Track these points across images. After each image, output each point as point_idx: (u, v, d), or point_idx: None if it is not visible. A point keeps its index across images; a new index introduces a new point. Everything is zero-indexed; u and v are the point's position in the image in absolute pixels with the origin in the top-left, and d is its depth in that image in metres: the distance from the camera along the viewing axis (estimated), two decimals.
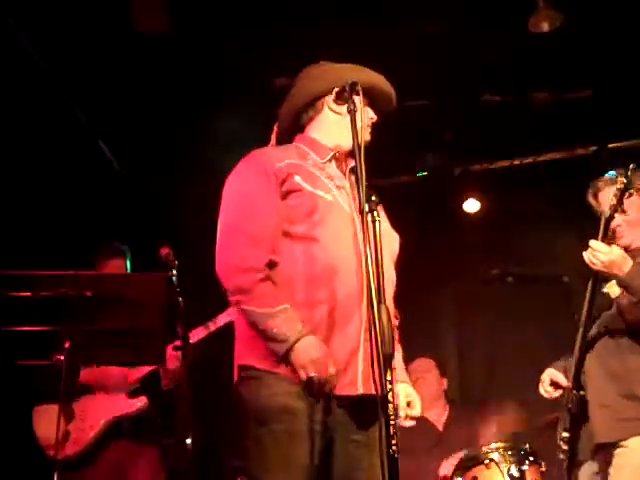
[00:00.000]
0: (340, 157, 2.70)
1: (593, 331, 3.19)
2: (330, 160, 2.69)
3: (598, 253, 2.96)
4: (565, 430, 3.19)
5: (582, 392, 3.17)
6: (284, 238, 2.49)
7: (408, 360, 4.97)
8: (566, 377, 3.31)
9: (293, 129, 2.79)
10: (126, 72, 4.62)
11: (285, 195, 2.52)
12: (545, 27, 4.48)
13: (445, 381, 5.13)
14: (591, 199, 3.35)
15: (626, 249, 3.21)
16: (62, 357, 3.70)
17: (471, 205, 5.83)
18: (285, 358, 2.32)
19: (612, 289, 3.10)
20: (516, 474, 3.76)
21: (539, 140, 5.53)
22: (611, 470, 3.04)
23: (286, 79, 5.01)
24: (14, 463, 4.35)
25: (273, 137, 2.84)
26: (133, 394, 4.00)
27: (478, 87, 5.25)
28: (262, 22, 4.44)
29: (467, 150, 5.68)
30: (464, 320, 6.05)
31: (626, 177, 2.98)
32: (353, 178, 2.66)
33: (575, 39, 4.64)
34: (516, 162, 5.74)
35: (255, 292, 2.38)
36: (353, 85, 2.48)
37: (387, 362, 2.15)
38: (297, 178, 2.53)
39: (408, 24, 4.58)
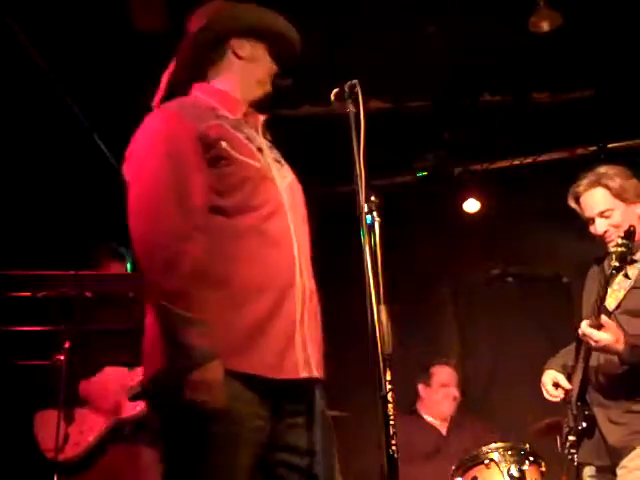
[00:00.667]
0: (249, 111, 2.46)
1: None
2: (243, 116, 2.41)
3: (590, 340, 3.00)
4: (570, 434, 3.18)
5: (587, 411, 3.16)
6: (213, 215, 2.20)
7: (427, 363, 5.05)
8: (565, 376, 3.31)
9: (188, 79, 2.44)
10: (125, 71, 4.62)
11: (211, 162, 2.22)
12: (545, 27, 4.48)
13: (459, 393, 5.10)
14: (573, 204, 3.33)
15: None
16: (62, 357, 3.70)
17: (471, 205, 5.83)
18: (181, 371, 2.04)
19: (608, 302, 3.11)
20: (516, 474, 3.76)
21: (539, 140, 5.53)
22: (619, 471, 3.04)
23: (288, 79, 5.03)
24: (14, 465, 4.34)
25: (161, 92, 2.46)
26: (134, 398, 3.99)
27: (478, 87, 5.25)
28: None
29: (467, 150, 5.68)
30: (464, 320, 6.04)
31: (630, 241, 2.98)
32: (268, 137, 2.49)
33: (575, 39, 4.64)
34: (516, 162, 5.74)
35: (181, 292, 2.07)
36: (352, 86, 2.46)
37: (387, 362, 2.15)
38: (224, 144, 2.24)
39: (408, 24, 4.58)
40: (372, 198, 2.30)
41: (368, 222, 2.30)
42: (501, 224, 5.70)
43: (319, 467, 2.24)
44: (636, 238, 3.10)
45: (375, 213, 2.29)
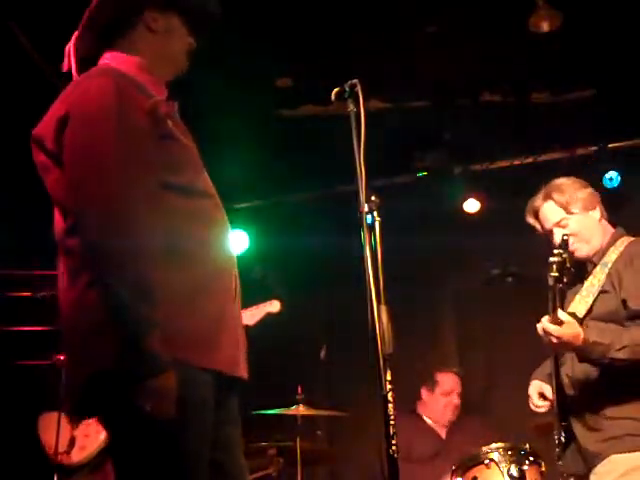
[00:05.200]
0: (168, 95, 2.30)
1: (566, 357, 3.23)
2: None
3: (551, 336, 3.01)
4: (557, 446, 3.21)
5: (564, 422, 3.18)
6: (167, 192, 2.04)
7: (432, 369, 5.06)
8: (551, 386, 3.32)
9: (93, 48, 2.23)
10: None
11: (159, 139, 2.06)
12: (545, 27, 4.48)
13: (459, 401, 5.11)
14: (531, 219, 3.39)
15: (585, 259, 3.26)
16: (62, 357, 3.70)
17: (471, 205, 5.83)
18: (134, 375, 1.88)
19: (577, 309, 3.14)
20: (516, 474, 3.75)
21: (539, 140, 5.53)
22: (592, 477, 3.05)
23: (287, 79, 5.04)
24: (18, 469, 4.33)
25: (71, 60, 2.25)
26: None
27: (478, 87, 5.25)
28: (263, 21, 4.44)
29: (467, 150, 5.68)
30: (464, 320, 6.04)
31: (565, 251, 3.02)
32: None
33: (575, 39, 4.65)
34: (516, 162, 5.74)
35: (144, 288, 1.89)
36: (353, 86, 2.45)
37: (387, 362, 2.16)
38: (170, 123, 2.11)
39: (408, 24, 4.58)
40: (372, 198, 2.30)
41: (368, 222, 2.30)
42: (501, 224, 5.70)
43: (234, 465, 2.19)
44: (600, 243, 3.22)
45: (375, 213, 2.29)
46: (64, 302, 2.12)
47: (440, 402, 5.02)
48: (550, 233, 3.30)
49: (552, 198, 3.28)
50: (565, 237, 3.09)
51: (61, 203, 2.09)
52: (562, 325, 2.98)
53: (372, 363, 2.16)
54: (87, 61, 2.24)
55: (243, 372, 2.16)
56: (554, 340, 3.00)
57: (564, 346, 3.04)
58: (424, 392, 5.09)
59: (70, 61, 2.26)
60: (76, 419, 3.91)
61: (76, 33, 2.26)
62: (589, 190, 3.33)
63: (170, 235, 2.01)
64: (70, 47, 2.27)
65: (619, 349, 2.95)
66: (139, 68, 2.21)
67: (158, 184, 2.03)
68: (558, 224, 3.26)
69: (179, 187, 2.08)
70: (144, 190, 1.97)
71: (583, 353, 3.02)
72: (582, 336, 2.97)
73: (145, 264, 1.91)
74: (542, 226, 3.35)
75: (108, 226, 1.90)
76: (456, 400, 5.03)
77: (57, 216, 2.15)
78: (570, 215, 3.24)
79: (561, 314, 2.99)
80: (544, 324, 3.02)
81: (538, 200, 3.34)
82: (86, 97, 2.04)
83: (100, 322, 1.92)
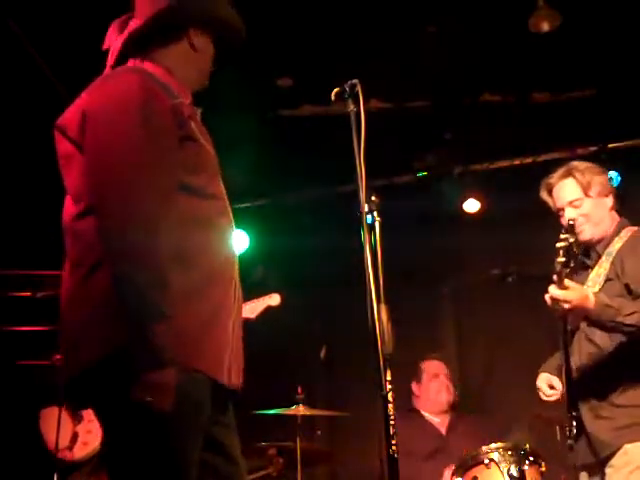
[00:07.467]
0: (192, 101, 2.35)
1: (576, 344, 3.25)
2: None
3: (560, 302, 3.01)
4: (568, 438, 3.20)
5: (575, 412, 3.18)
6: (182, 192, 2.07)
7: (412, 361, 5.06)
8: (560, 378, 3.32)
9: (131, 51, 2.28)
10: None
11: (180, 140, 2.10)
12: (545, 27, 4.49)
13: (453, 390, 5.12)
14: (545, 196, 3.41)
15: (589, 243, 3.27)
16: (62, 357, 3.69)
17: (471, 205, 5.83)
18: (137, 366, 1.89)
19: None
20: (516, 474, 3.76)
21: (539, 140, 5.53)
22: (607, 469, 3.06)
23: (287, 79, 5.04)
24: (19, 468, 4.33)
25: (111, 58, 2.30)
26: None
27: (478, 87, 5.25)
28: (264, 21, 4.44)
29: (467, 150, 5.68)
30: (464, 320, 6.04)
31: (572, 236, 3.03)
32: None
33: (575, 39, 4.65)
34: (516, 162, 5.74)
35: (158, 278, 1.91)
36: (353, 86, 2.45)
37: (387, 362, 2.16)
38: (193, 125, 2.16)
39: (408, 24, 4.58)
40: (372, 198, 2.30)
41: (368, 222, 2.31)
42: (501, 224, 5.70)
43: (229, 466, 2.18)
44: (607, 230, 3.26)
45: (375, 213, 2.29)
46: (65, 290, 2.15)
47: (431, 388, 5.03)
48: (561, 211, 3.32)
49: (574, 176, 3.30)
50: (571, 222, 3.11)
51: (77, 190, 2.12)
52: (568, 289, 2.99)
53: (373, 363, 2.16)
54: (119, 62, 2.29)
55: (233, 380, 2.12)
56: (564, 305, 3.00)
57: (575, 310, 3.03)
58: (414, 386, 5.12)
59: (111, 57, 2.29)
60: (76, 412, 3.90)
61: (122, 37, 2.29)
62: (606, 177, 3.37)
63: (174, 234, 2.02)
64: (114, 46, 2.30)
65: (628, 314, 2.98)
66: (167, 72, 2.26)
67: (174, 183, 2.06)
68: (571, 203, 3.28)
69: (191, 188, 2.09)
70: (162, 186, 2.01)
71: (594, 315, 3.02)
72: (592, 298, 2.98)
73: (160, 256, 1.94)
74: (554, 203, 3.36)
75: (129, 215, 1.93)
76: (445, 381, 5.04)
77: (68, 203, 2.19)
78: (586, 197, 3.27)
79: (567, 282, 2.99)
80: (551, 291, 3.02)
81: (555, 177, 3.36)
82: (112, 90, 2.10)
83: (103, 308, 1.94)
